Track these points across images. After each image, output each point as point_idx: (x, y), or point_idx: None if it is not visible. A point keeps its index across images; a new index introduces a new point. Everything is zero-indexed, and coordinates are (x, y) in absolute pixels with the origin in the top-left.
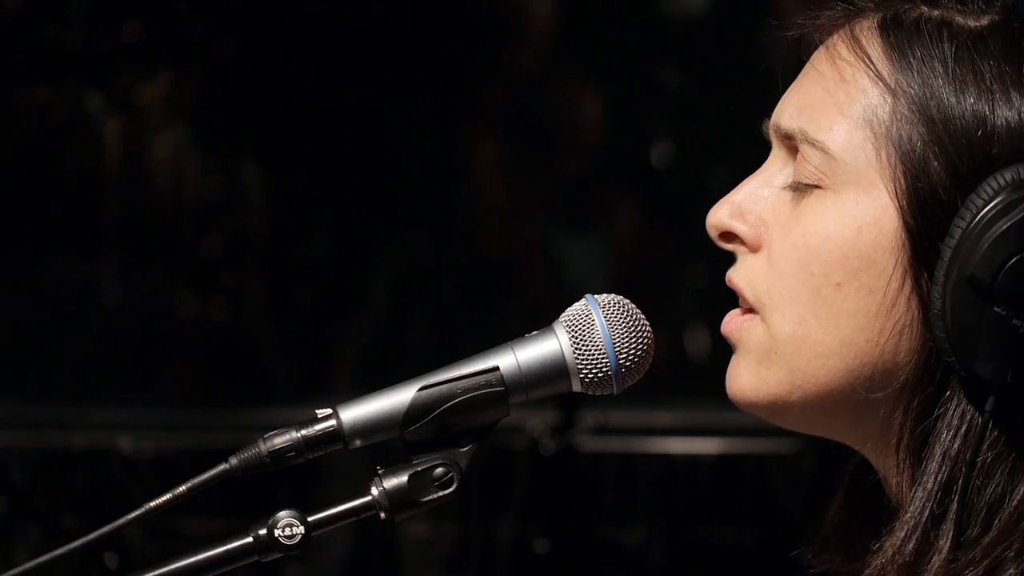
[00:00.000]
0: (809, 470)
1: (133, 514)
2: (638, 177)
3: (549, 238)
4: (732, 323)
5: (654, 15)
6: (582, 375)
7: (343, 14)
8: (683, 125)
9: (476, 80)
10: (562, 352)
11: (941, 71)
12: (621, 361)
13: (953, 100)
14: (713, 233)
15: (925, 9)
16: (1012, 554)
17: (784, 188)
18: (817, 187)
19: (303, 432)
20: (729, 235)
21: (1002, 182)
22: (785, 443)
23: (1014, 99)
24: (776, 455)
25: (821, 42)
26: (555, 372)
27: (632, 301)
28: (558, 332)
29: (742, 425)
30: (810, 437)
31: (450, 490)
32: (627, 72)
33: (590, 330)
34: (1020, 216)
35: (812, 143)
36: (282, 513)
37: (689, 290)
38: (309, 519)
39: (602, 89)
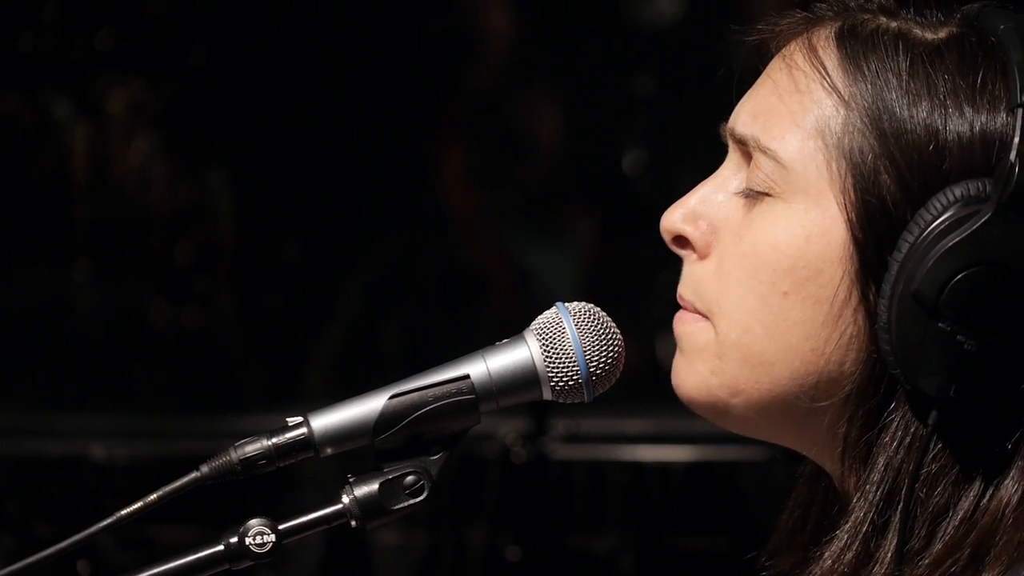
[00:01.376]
0: (781, 477)
1: (105, 522)
2: (608, 185)
3: (519, 246)
4: (684, 322)
5: (624, 23)
6: (553, 383)
7: (312, 23)
8: (654, 132)
9: (445, 88)
10: (533, 360)
11: (895, 84)
12: (592, 369)
13: (906, 113)
14: (667, 237)
15: (883, 20)
16: (958, 569)
17: (737, 194)
18: (768, 195)
19: (274, 440)
20: (682, 240)
21: (951, 197)
22: (757, 450)
23: (967, 113)
24: (748, 462)
25: (779, 49)
26: (526, 380)
27: (603, 309)
28: (529, 340)
29: (713, 433)
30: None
31: (421, 498)
32: (596, 80)
33: (561, 338)
34: (966, 233)
35: (764, 151)
36: (253, 521)
37: (660, 298)
38: (280, 527)
39: (571, 97)
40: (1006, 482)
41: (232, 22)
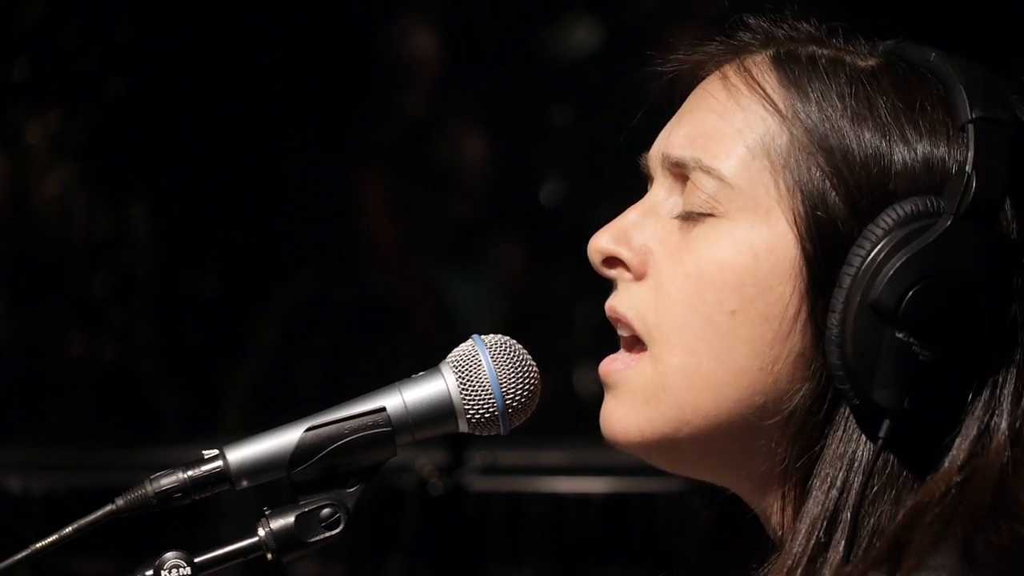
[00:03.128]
0: (699, 508)
1: (20, 555)
2: (526, 216)
3: (438, 278)
4: (619, 362)
5: (542, 53)
6: (469, 416)
7: (232, 54)
8: (572, 162)
9: (365, 120)
10: (449, 393)
11: (839, 105)
12: (508, 401)
13: (852, 133)
14: (596, 259)
15: (815, 47)
16: (875, 565)
17: (672, 217)
18: (710, 215)
19: (189, 473)
20: (612, 260)
21: (902, 213)
22: (674, 482)
23: (909, 136)
24: (665, 494)
25: (699, 78)
26: (442, 413)
27: (521, 340)
28: (445, 373)
29: (631, 464)
30: None
31: (337, 530)
32: (515, 111)
33: (477, 371)
34: (925, 244)
35: (706, 171)
36: (169, 554)
37: (577, 328)
38: (196, 560)
39: (490, 128)
40: (932, 487)
41: (150, 52)
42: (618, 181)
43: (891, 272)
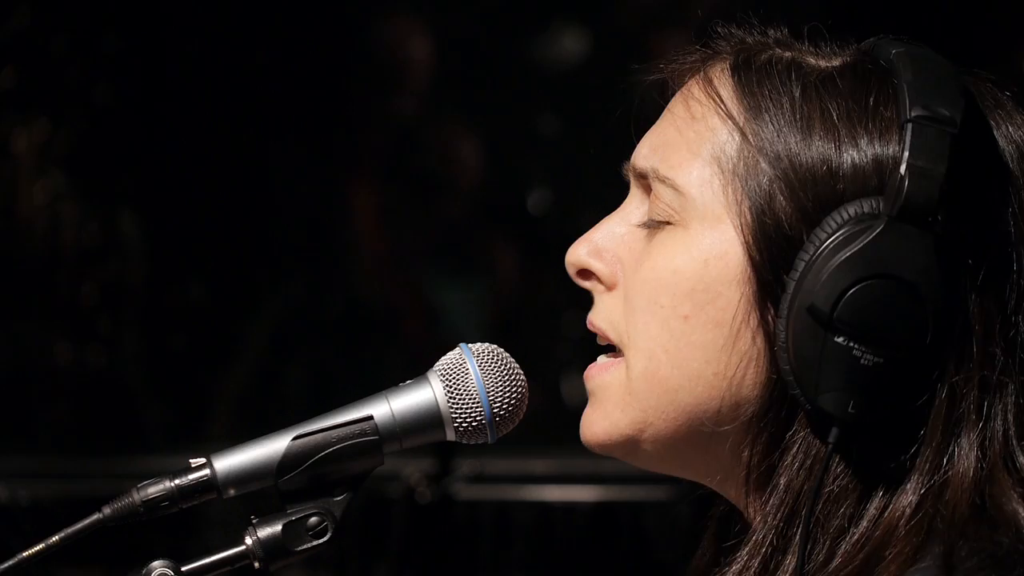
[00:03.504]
0: (685, 516)
1: (7, 563)
2: (516, 224)
3: (427, 285)
4: (596, 368)
5: (531, 62)
6: (456, 424)
7: (220, 62)
8: (560, 171)
9: (354, 127)
10: (436, 401)
11: (788, 110)
12: (495, 410)
13: (799, 137)
14: (571, 271)
15: (777, 51)
16: None
17: (639, 225)
18: (668, 223)
19: (177, 481)
20: (587, 273)
21: (846, 216)
22: (661, 490)
23: (859, 136)
24: (653, 502)
25: (680, 86)
26: (429, 421)
27: (509, 348)
28: (432, 381)
29: (618, 472)
30: (687, 483)
31: (324, 539)
32: (504, 119)
33: (464, 379)
34: (860, 246)
35: (663, 180)
36: (155, 563)
37: (566, 337)
38: (183, 568)
39: (480, 136)
40: (901, 495)
41: (137, 61)
42: (607, 189)
43: (826, 275)
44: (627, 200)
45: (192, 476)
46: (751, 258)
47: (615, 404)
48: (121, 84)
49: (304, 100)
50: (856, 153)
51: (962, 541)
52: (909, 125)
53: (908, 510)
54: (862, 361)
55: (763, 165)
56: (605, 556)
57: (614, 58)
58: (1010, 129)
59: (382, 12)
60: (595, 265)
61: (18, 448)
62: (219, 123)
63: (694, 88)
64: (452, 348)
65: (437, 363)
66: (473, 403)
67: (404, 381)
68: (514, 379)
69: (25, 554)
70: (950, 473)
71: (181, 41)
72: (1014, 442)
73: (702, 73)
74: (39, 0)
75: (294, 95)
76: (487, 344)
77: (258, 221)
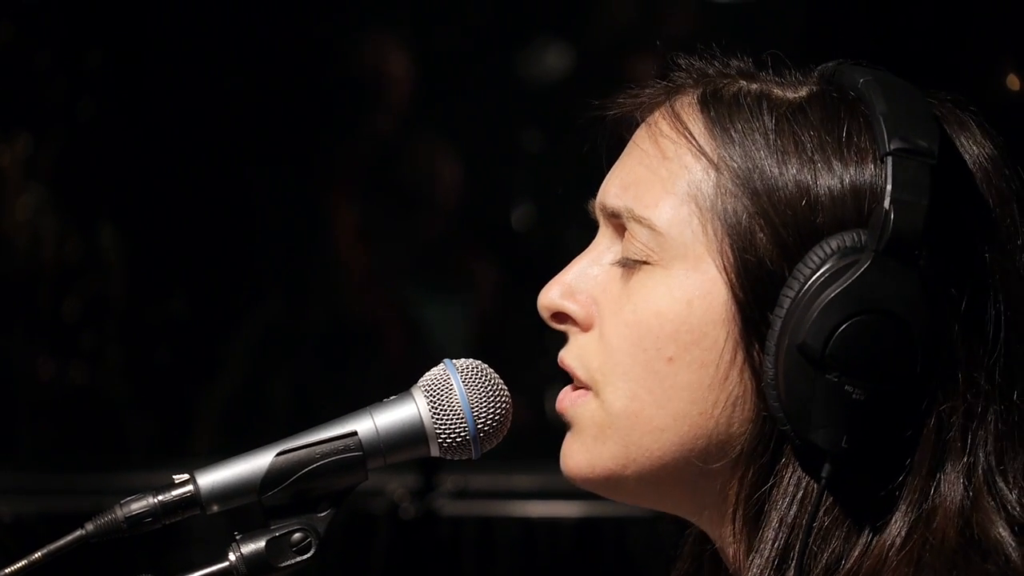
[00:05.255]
0: (669, 533)
1: None
2: (498, 239)
3: (410, 301)
4: (566, 400)
5: (513, 77)
6: (440, 440)
7: (202, 77)
8: (543, 187)
9: (335, 143)
10: (420, 417)
11: (763, 143)
12: (479, 426)
13: (776, 171)
14: (545, 314)
15: (744, 83)
16: None
17: (613, 265)
18: (646, 263)
19: (160, 497)
20: (561, 315)
21: (828, 250)
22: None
23: (835, 168)
24: (637, 518)
25: (643, 120)
26: (413, 437)
27: (492, 364)
28: (416, 397)
29: None
30: None
31: (308, 555)
32: (486, 134)
33: (448, 395)
34: (848, 282)
35: (639, 220)
36: None
37: (549, 353)
38: None
39: (461, 151)
40: (891, 526)
41: (120, 77)
42: (589, 208)
43: (816, 313)
44: (597, 239)
45: (175, 492)
46: (735, 296)
47: (594, 437)
48: (104, 100)
49: (286, 116)
50: (834, 183)
51: (954, 572)
52: (889, 159)
53: (898, 540)
54: (854, 396)
55: (742, 201)
56: (589, 572)
57: (597, 74)
58: (976, 150)
59: (363, 29)
60: (569, 307)
61: (1, 464)
62: (200, 139)
63: (662, 123)
64: (436, 364)
65: (421, 379)
66: (457, 419)
67: (387, 397)
68: (498, 395)
69: (7, 571)
70: (937, 501)
71: (163, 58)
72: (995, 468)
73: (669, 107)
74: (21, 15)
75: (276, 111)
76: (471, 360)
77: (240, 236)
